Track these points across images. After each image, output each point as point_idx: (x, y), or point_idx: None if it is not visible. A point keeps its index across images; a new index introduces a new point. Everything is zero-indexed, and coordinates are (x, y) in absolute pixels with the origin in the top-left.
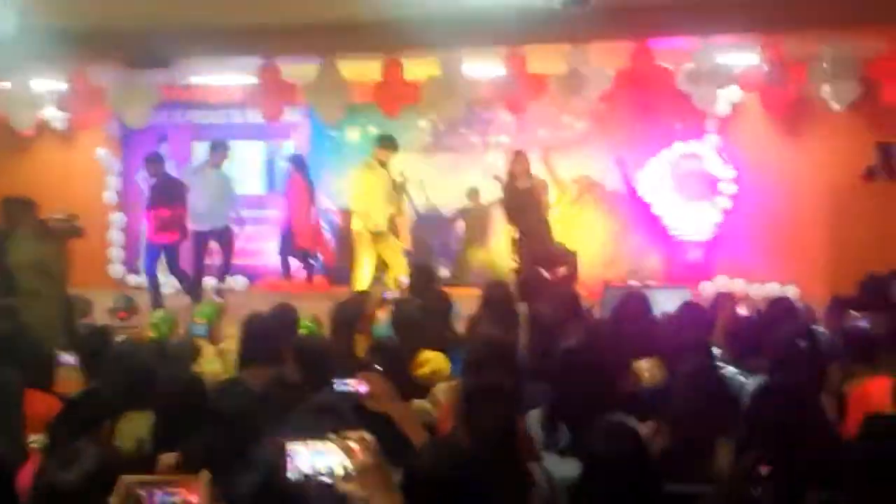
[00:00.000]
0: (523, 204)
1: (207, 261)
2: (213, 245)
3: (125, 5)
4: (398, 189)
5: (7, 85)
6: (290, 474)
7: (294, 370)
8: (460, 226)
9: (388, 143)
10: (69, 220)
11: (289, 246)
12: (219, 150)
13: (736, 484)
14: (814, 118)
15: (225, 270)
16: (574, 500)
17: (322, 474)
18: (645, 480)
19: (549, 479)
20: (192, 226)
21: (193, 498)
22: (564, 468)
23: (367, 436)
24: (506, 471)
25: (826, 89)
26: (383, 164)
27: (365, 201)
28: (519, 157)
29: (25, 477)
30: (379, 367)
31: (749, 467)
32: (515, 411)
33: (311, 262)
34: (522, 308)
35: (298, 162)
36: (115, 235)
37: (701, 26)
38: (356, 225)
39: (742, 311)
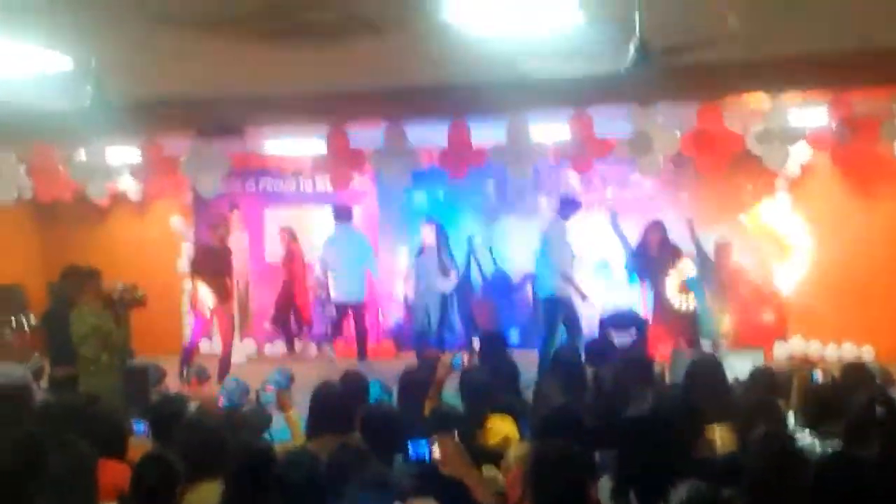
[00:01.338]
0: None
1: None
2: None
3: (197, 75)
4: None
5: (82, 155)
6: None
7: (362, 439)
8: (528, 290)
9: (570, 204)
10: (132, 290)
11: (283, 315)
12: (343, 212)
13: None
14: (887, 176)
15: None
16: None
17: None
18: None
19: None
20: (335, 297)
21: None
22: None
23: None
24: None
25: None
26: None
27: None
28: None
29: None
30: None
31: None
32: (586, 478)
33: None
34: (591, 372)
35: (292, 234)
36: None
37: (769, 85)
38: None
39: (818, 375)
